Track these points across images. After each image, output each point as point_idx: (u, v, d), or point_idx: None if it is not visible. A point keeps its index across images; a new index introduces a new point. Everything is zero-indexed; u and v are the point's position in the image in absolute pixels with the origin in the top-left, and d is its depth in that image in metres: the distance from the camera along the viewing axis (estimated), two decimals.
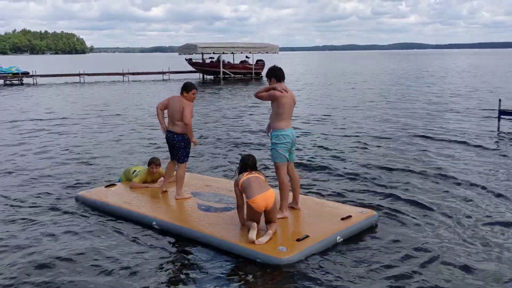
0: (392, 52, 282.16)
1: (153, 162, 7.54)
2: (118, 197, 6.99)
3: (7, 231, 6.12)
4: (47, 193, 7.77)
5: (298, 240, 5.26)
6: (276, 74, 6.09)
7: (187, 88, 6.78)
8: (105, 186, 7.52)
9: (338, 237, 5.51)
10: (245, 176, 5.56)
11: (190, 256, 5.36)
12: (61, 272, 4.97)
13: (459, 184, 7.95)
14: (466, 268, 4.94)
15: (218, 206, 6.45)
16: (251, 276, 4.85)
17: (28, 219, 6.52)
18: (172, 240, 5.77)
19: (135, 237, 5.87)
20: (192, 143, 6.87)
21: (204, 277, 4.85)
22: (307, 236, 5.33)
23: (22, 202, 7.32)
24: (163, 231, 5.97)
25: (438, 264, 5.04)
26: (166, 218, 6.11)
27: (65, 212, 6.81)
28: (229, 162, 9.91)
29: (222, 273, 4.92)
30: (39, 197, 7.57)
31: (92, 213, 6.73)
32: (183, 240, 5.72)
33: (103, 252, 5.42)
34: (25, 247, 5.60)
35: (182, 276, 4.91)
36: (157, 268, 5.04)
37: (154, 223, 6.09)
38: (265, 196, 5.38)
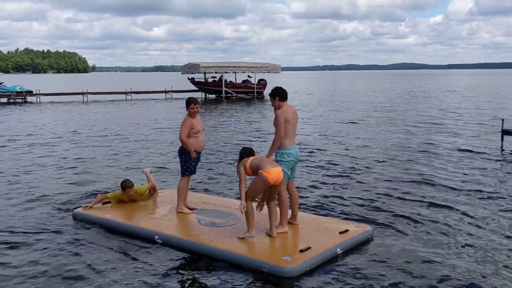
0: (393, 72, 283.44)
1: (127, 187, 7.39)
2: (117, 212, 7.09)
3: (6, 247, 6.15)
4: (43, 209, 7.73)
5: (301, 251, 5.42)
6: (281, 93, 6.27)
7: (186, 104, 6.96)
8: (102, 203, 7.56)
9: (338, 249, 5.68)
10: (252, 158, 5.85)
11: (195, 269, 5.44)
12: None
13: (459, 202, 8.02)
14: (462, 280, 5.04)
15: (218, 221, 6.59)
16: (257, 286, 4.95)
17: (26, 238, 6.46)
18: (176, 253, 5.83)
19: (137, 252, 5.93)
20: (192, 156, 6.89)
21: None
22: (309, 248, 5.49)
23: (18, 219, 7.25)
24: (165, 245, 6.04)
25: (434, 275, 5.14)
26: (169, 232, 6.20)
27: (63, 229, 6.77)
28: (222, 178, 9.99)
29: (229, 284, 5.02)
30: (34, 214, 7.51)
31: (91, 229, 6.73)
32: (186, 253, 5.80)
33: (106, 267, 5.48)
34: (26, 265, 5.59)
35: None
36: (163, 282, 5.11)
37: (156, 237, 6.16)
38: (278, 170, 5.72)
